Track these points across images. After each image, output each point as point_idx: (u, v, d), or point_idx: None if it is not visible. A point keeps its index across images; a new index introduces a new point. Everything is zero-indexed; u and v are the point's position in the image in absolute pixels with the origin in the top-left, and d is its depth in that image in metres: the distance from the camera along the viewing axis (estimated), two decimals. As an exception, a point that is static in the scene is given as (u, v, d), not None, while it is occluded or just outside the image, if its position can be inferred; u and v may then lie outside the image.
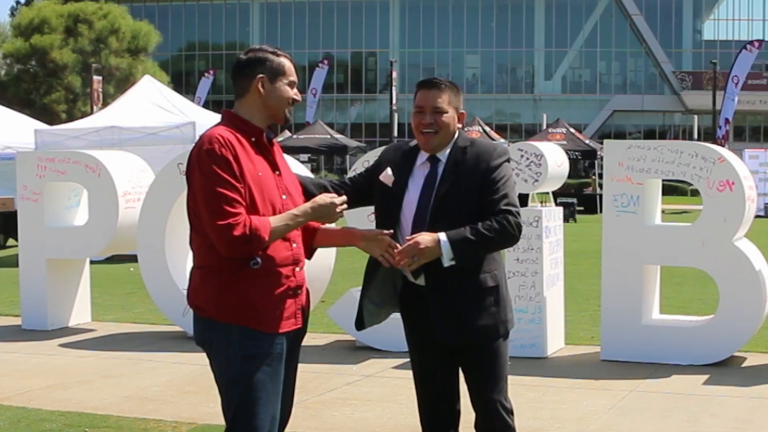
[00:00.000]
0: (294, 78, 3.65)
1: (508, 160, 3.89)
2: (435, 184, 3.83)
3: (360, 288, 4.03)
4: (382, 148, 8.45)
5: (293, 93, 3.64)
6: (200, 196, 3.45)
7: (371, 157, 8.05)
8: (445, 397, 3.98)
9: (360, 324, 4.01)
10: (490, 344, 3.87)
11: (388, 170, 3.90)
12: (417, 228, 3.79)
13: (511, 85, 64.67)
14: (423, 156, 3.91)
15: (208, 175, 3.42)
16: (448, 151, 3.88)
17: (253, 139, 3.56)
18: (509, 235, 3.78)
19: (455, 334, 3.81)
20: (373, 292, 3.95)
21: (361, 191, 4.01)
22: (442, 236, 3.68)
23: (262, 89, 3.57)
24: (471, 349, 3.86)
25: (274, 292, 3.50)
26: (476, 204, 3.78)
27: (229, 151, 3.43)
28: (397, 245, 3.70)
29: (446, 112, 3.83)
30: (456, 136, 3.91)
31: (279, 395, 3.53)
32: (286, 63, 3.62)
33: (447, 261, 3.69)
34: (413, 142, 4.02)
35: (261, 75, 3.56)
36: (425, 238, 3.66)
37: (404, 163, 3.92)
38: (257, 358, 3.45)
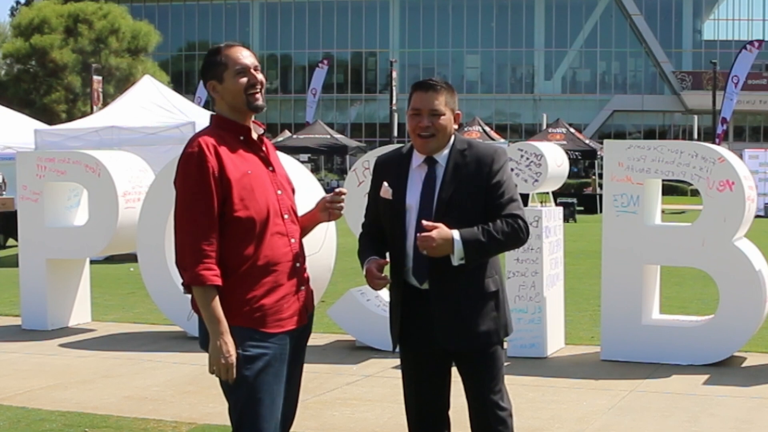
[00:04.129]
0: (241, 64, 3.52)
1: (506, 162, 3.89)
2: (435, 188, 3.79)
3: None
4: (383, 148, 8.48)
5: (244, 80, 3.52)
6: (176, 201, 3.51)
7: (371, 157, 8.05)
8: (437, 403, 3.94)
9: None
10: (490, 348, 3.86)
11: (385, 185, 3.86)
12: (421, 232, 3.74)
13: (511, 85, 64.66)
14: (419, 158, 3.85)
15: (185, 183, 3.48)
16: (446, 152, 3.83)
17: (241, 137, 3.56)
18: (518, 238, 3.77)
19: (458, 339, 3.78)
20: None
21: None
22: (456, 234, 3.63)
23: (215, 93, 3.58)
24: (470, 353, 3.84)
25: (275, 291, 3.48)
26: (480, 209, 3.76)
27: (213, 156, 3.43)
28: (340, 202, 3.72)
29: (443, 114, 3.78)
30: (453, 138, 3.87)
31: (282, 395, 3.51)
32: (230, 54, 3.53)
33: (456, 260, 3.65)
34: (403, 147, 3.98)
35: (210, 80, 3.58)
36: (441, 233, 3.61)
37: (399, 170, 3.87)
38: (260, 359, 3.43)
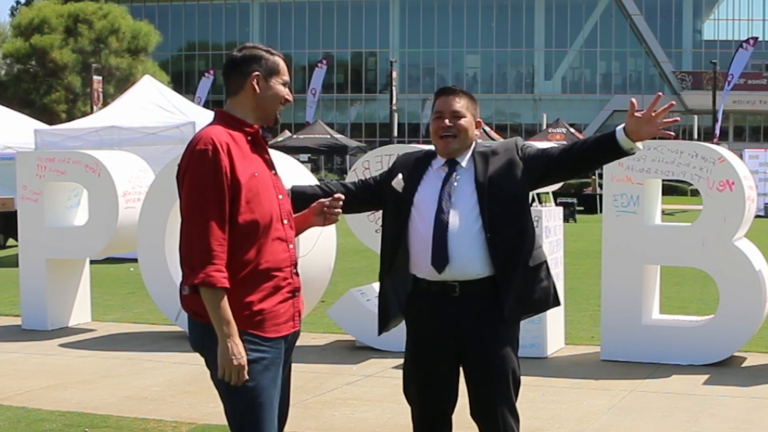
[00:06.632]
0: (287, 78, 3.60)
1: None
2: (453, 185, 3.85)
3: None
4: (383, 148, 8.48)
5: (286, 92, 3.59)
6: (185, 198, 3.41)
7: (371, 157, 8.06)
8: (447, 403, 3.94)
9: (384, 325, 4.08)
10: (497, 345, 3.83)
11: (399, 176, 3.94)
12: (439, 221, 3.79)
13: (511, 85, 64.67)
14: (440, 160, 3.94)
15: (198, 181, 3.37)
16: (468, 155, 3.92)
17: (249, 138, 3.51)
18: None
19: (518, 307, 3.84)
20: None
21: (370, 195, 4.05)
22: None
23: (257, 87, 3.51)
24: (477, 351, 3.82)
25: (274, 296, 3.45)
26: (518, 186, 3.85)
27: (226, 155, 3.37)
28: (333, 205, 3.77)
29: (464, 117, 3.90)
30: (474, 143, 3.95)
31: (278, 399, 3.49)
32: (280, 62, 3.59)
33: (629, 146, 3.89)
34: (426, 149, 4.05)
35: (256, 72, 3.50)
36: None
37: (416, 168, 3.96)
38: (259, 363, 3.39)
